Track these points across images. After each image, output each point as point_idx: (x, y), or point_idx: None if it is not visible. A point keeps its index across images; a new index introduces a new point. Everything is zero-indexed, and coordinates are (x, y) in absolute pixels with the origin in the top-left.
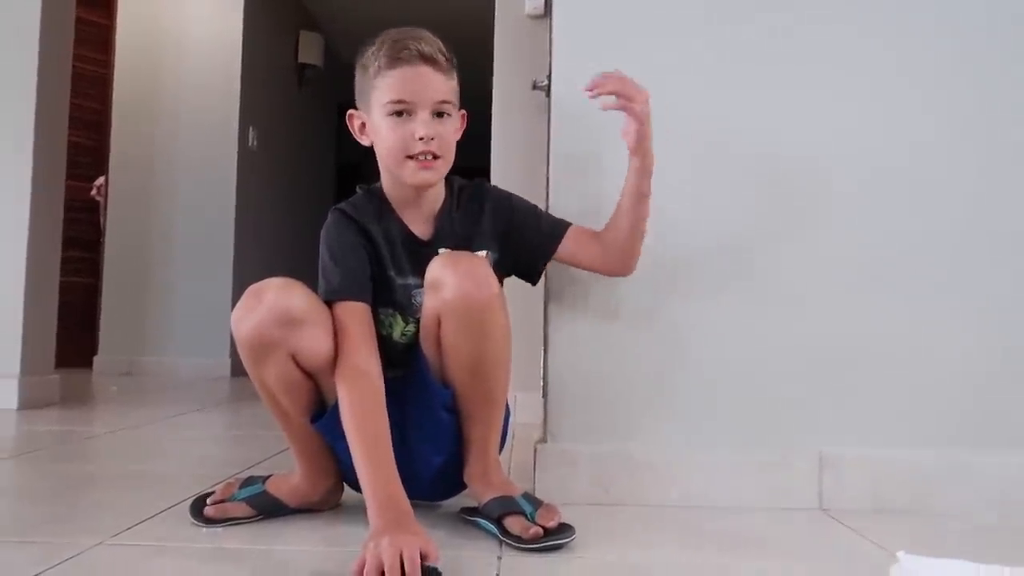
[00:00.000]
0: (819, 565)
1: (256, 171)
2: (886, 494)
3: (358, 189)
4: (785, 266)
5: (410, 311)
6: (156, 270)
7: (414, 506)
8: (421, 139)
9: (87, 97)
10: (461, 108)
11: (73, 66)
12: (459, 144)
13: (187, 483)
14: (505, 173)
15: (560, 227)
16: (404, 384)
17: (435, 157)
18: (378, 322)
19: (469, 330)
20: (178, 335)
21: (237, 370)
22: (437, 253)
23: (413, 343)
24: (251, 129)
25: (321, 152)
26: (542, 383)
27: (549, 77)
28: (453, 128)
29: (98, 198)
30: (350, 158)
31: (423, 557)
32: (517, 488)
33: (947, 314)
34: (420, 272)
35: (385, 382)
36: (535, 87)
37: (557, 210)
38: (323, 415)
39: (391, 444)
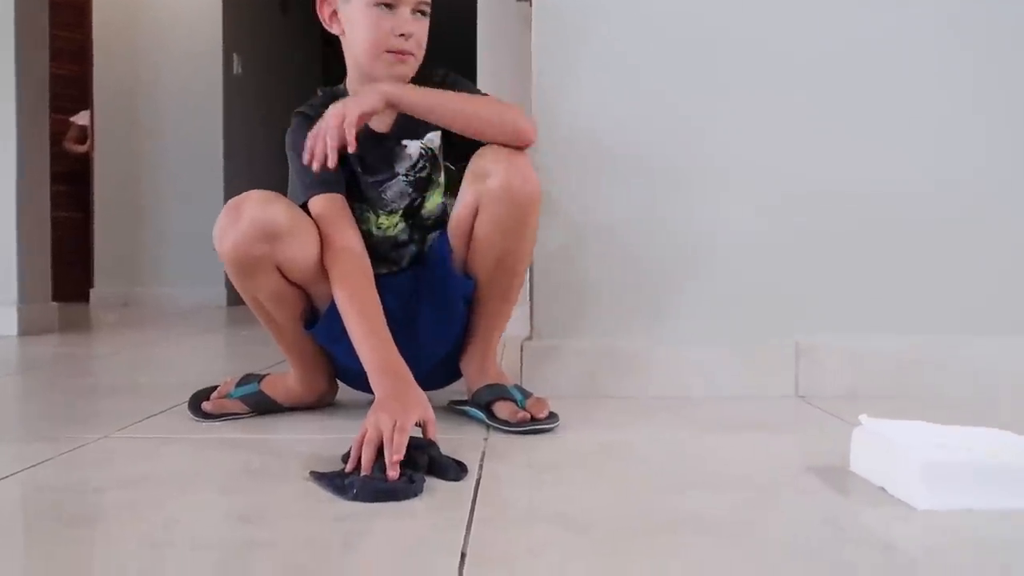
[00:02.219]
0: (793, 437)
1: (242, 98)
2: (861, 380)
3: (319, 92)
4: (756, 158)
5: (381, 205)
6: (147, 201)
7: None
8: (402, 35)
9: (66, 27)
10: None
11: None
12: (446, 58)
13: (187, 391)
14: (492, 87)
15: None
16: (415, 279)
17: (410, 53)
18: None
19: (508, 223)
20: (173, 265)
21: (233, 299)
22: (400, 145)
23: (403, 239)
24: (235, 56)
25: (307, 77)
26: (529, 284)
27: None
28: (426, 27)
29: (75, 147)
30: (337, 83)
31: (423, 428)
32: (509, 379)
33: (920, 207)
34: (384, 166)
35: (381, 278)
36: None
37: (544, 117)
38: (316, 322)
39: (384, 317)
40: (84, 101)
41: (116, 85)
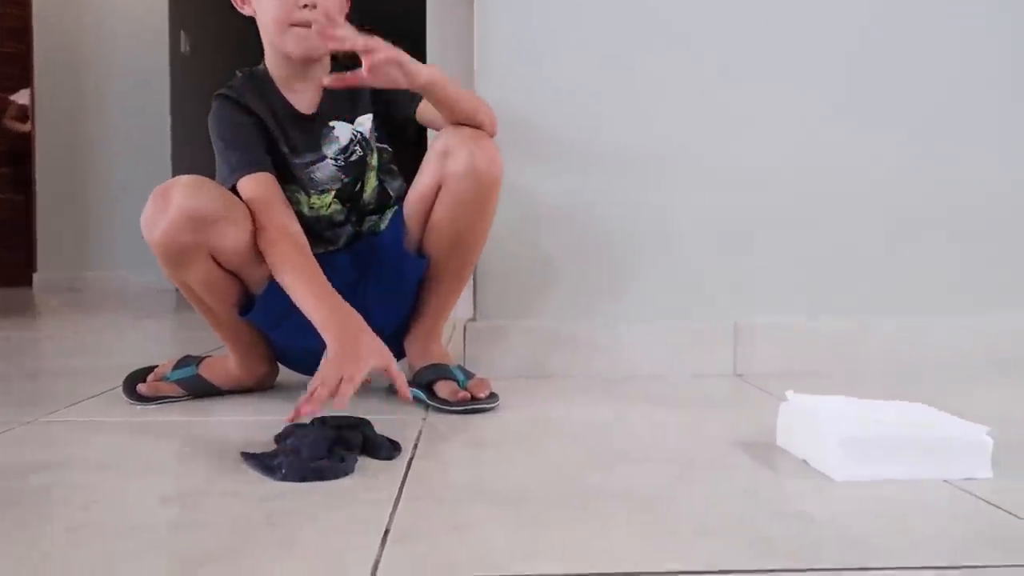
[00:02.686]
0: (725, 414)
1: (191, 77)
2: (795, 359)
3: (238, 73)
4: (699, 144)
5: (311, 186)
6: (92, 182)
7: None
8: (305, 6)
9: (6, 3)
10: None
11: None
12: (395, 40)
13: (125, 374)
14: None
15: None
16: (363, 258)
17: None
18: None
19: (470, 203)
20: (120, 248)
21: None
22: (327, 127)
23: (339, 219)
24: (183, 34)
25: (258, 57)
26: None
27: None
28: (341, 1)
29: (16, 125)
30: None
31: (389, 375)
32: (453, 360)
33: (857, 182)
34: (311, 148)
35: (321, 257)
36: None
37: (487, 94)
38: (251, 307)
39: (329, 283)
40: (25, 79)
41: (57, 63)
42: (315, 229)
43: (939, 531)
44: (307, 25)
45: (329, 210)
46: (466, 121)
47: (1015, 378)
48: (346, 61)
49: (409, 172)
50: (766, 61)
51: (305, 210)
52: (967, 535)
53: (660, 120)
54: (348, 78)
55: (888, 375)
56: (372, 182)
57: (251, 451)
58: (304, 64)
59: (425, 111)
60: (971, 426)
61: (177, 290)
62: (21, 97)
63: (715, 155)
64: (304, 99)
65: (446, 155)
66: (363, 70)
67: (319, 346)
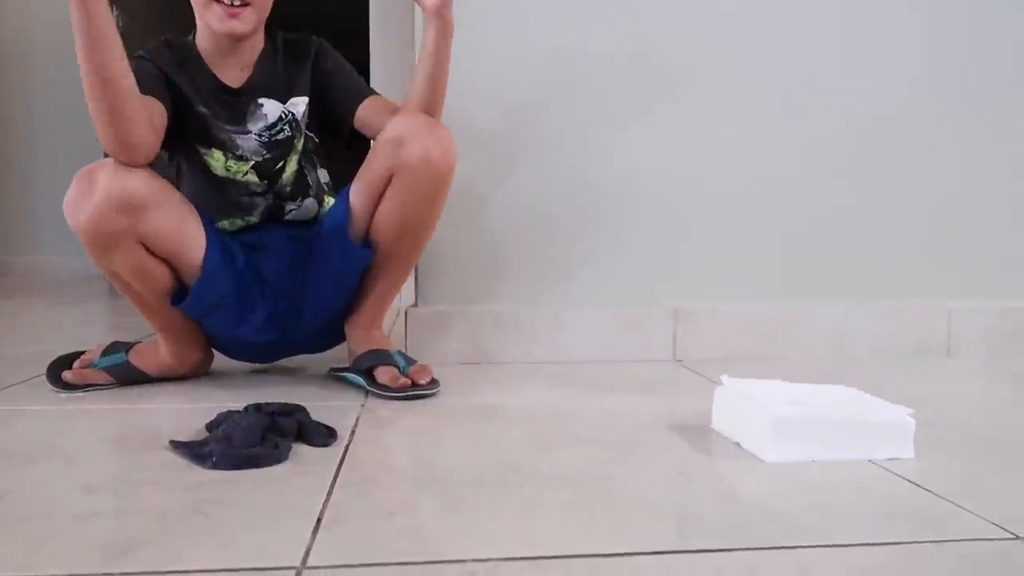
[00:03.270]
0: (666, 397)
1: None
2: (733, 344)
3: (163, 39)
4: (637, 130)
5: (231, 148)
6: (17, 161)
7: (277, 367)
8: None
9: None
10: None
11: None
12: (336, 36)
13: (50, 360)
14: (385, 64)
15: (364, 92)
16: (301, 244)
17: (244, 4)
18: (196, 156)
19: (423, 193)
20: (46, 231)
21: None
22: (255, 103)
23: (256, 190)
24: (115, 10)
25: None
26: None
27: None
28: None
29: None
30: None
31: None
32: (393, 345)
33: (782, 183)
34: (235, 119)
35: (252, 233)
36: None
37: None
38: (183, 296)
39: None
40: None
41: None
42: (229, 193)
43: (863, 510)
44: (231, 3)
45: (245, 178)
46: (433, 104)
47: (931, 362)
48: (288, 35)
49: (339, 170)
50: (712, 62)
51: (220, 171)
52: (890, 513)
53: (601, 111)
54: None
55: (821, 360)
56: (292, 166)
57: (182, 439)
58: (231, 40)
59: (364, 115)
60: (895, 409)
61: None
62: None
63: (656, 145)
64: (232, 74)
65: (400, 144)
66: None
67: (251, 334)
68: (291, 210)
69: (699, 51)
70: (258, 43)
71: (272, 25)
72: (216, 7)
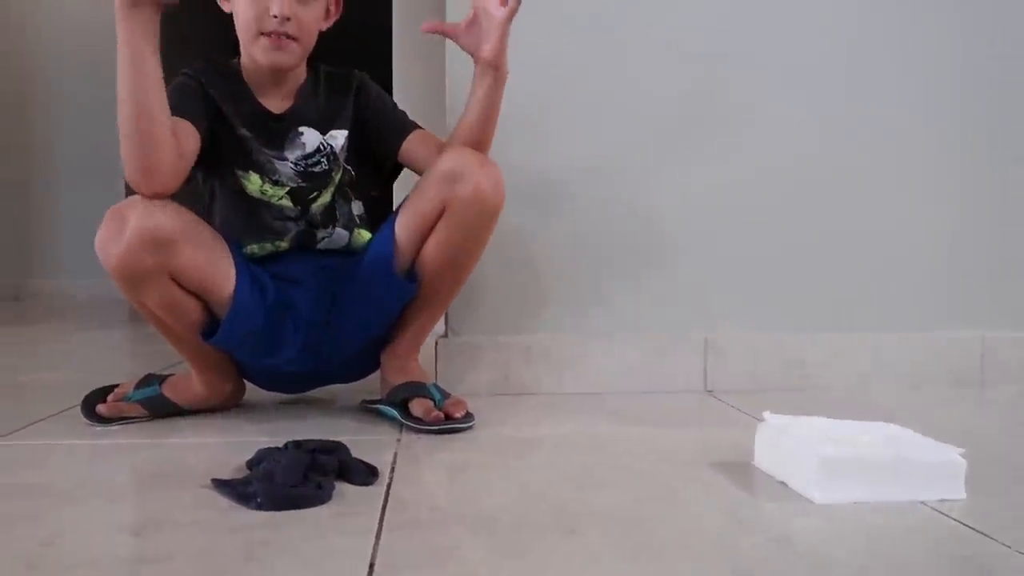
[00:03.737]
0: (702, 431)
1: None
2: (764, 374)
3: (209, 58)
4: (669, 160)
5: (269, 172)
6: (37, 183)
7: (309, 398)
8: (275, 17)
9: None
10: None
11: None
12: (361, 64)
13: (81, 391)
14: (407, 87)
15: (409, 126)
16: (343, 275)
17: (290, 38)
18: (232, 179)
19: (472, 228)
20: (68, 254)
21: None
22: (295, 131)
23: (290, 214)
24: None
25: (217, 54)
26: None
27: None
28: (318, 12)
29: None
30: None
31: None
32: (429, 378)
33: (822, 203)
34: (274, 144)
35: (288, 262)
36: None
37: (457, 98)
38: (215, 331)
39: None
40: None
41: (3, 60)
42: (262, 216)
43: (919, 555)
44: (277, 37)
45: (280, 202)
46: (482, 143)
47: (966, 393)
48: (328, 68)
49: (378, 205)
50: (748, 70)
51: (255, 193)
52: (945, 557)
53: (634, 143)
54: (445, 27)
55: (855, 391)
56: (326, 198)
57: (222, 477)
58: (274, 71)
59: (410, 149)
60: (945, 448)
61: (127, 300)
62: None
63: (686, 176)
64: (274, 102)
65: (453, 179)
66: (463, 23)
67: (283, 365)
68: (323, 238)
69: (736, 85)
70: (301, 74)
71: (314, 58)
72: (263, 39)
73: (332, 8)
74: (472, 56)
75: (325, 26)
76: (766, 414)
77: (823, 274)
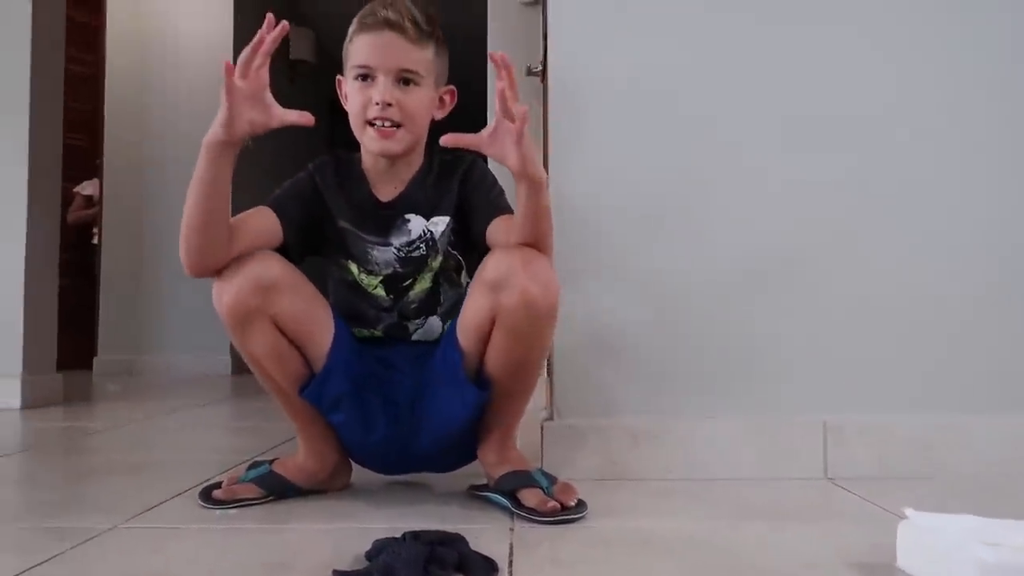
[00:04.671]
0: (829, 527)
1: (249, 168)
2: (891, 461)
3: (335, 153)
4: (781, 234)
5: (364, 262)
6: (152, 269)
7: (416, 481)
8: (377, 104)
9: (77, 98)
10: (449, 84)
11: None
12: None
13: (195, 471)
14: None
15: (497, 210)
16: (424, 374)
17: (396, 125)
18: (336, 267)
19: (527, 335)
20: (177, 333)
21: (238, 367)
22: (402, 218)
23: (384, 305)
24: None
25: (313, 148)
26: (548, 362)
27: (544, 62)
28: (422, 98)
29: (83, 213)
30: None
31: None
32: (531, 464)
33: (948, 282)
34: (381, 231)
35: (374, 340)
36: (529, 73)
37: (559, 193)
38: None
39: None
40: (93, 170)
41: (124, 155)
42: (359, 303)
43: None
44: (383, 124)
45: (375, 291)
46: (538, 241)
47: None
48: (444, 156)
49: None
50: (854, 144)
51: (354, 280)
52: None
53: (748, 217)
54: (468, 138)
55: (991, 480)
56: (424, 283)
57: (341, 568)
58: (387, 159)
59: (491, 234)
60: None
61: (232, 375)
62: (86, 188)
63: (797, 240)
64: (386, 190)
65: (496, 287)
66: (485, 132)
67: (372, 446)
68: (415, 329)
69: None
70: (416, 161)
71: (434, 145)
72: (370, 129)
73: (446, 98)
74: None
75: (439, 115)
76: (908, 510)
77: (953, 349)
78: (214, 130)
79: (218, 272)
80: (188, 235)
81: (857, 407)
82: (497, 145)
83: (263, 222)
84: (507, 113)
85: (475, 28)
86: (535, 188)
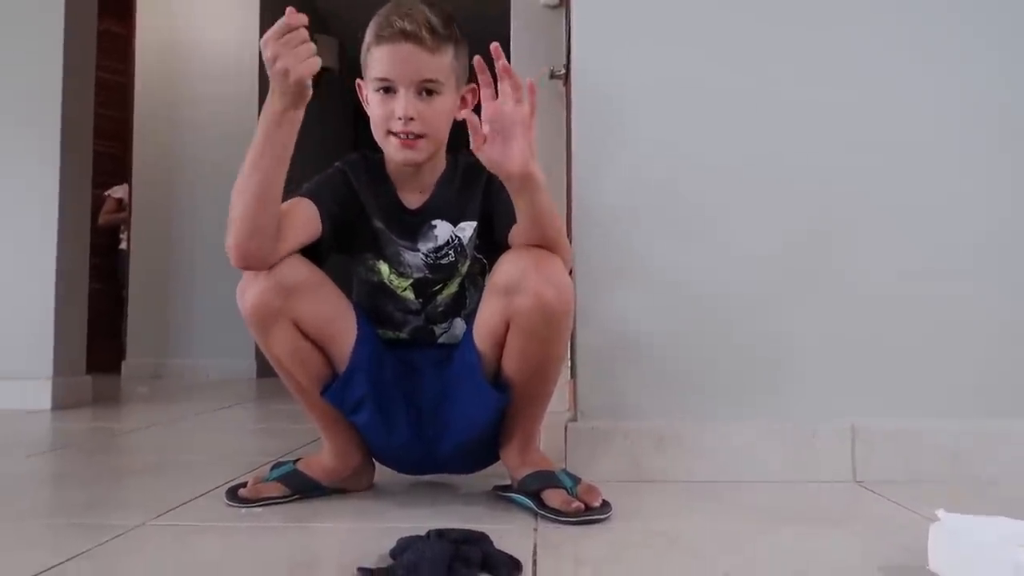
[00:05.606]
0: (857, 530)
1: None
2: (919, 465)
3: (360, 153)
4: (807, 235)
5: (396, 264)
6: (179, 274)
7: (440, 481)
8: (400, 119)
9: (108, 106)
10: (470, 82)
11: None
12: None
13: (222, 470)
14: None
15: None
16: (445, 373)
17: (418, 136)
18: (365, 266)
19: (543, 337)
20: (203, 337)
21: (263, 371)
22: (429, 225)
23: (412, 307)
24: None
25: (339, 156)
26: (570, 364)
27: (567, 66)
28: (444, 106)
29: (114, 217)
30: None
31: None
32: (555, 464)
33: (976, 286)
34: (409, 236)
35: (398, 343)
36: (552, 76)
37: (583, 196)
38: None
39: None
40: (122, 177)
41: (154, 162)
42: (386, 305)
43: None
44: (406, 136)
45: (403, 293)
46: (546, 241)
47: None
48: (468, 159)
49: None
50: (883, 166)
51: (383, 281)
52: None
53: (772, 218)
54: (475, 129)
55: (1018, 483)
56: (452, 288)
57: (366, 565)
58: (410, 167)
59: (511, 238)
60: None
61: (257, 378)
62: (116, 192)
63: (830, 251)
64: (411, 196)
65: (509, 291)
66: (477, 140)
67: (395, 448)
68: (441, 333)
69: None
70: (439, 166)
71: (455, 147)
72: (392, 139)
73: (468, 97)
74: (497, 172)
75: (462, 115)
76: (940, 512)
77: (983, 353)
78: (270, 104)
79: (269, 266)
80: (243, 215)
81: (885, 410)
82: (497, 147)
83: (306, 211)
84: (515, 89)
85: (498, 32)
86: (536, 186)
